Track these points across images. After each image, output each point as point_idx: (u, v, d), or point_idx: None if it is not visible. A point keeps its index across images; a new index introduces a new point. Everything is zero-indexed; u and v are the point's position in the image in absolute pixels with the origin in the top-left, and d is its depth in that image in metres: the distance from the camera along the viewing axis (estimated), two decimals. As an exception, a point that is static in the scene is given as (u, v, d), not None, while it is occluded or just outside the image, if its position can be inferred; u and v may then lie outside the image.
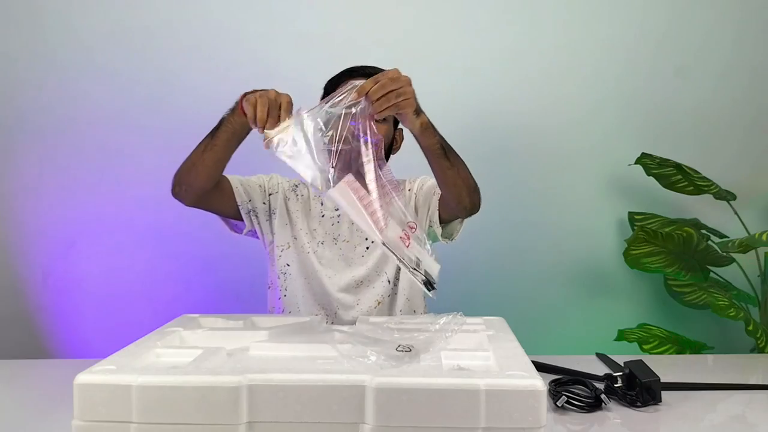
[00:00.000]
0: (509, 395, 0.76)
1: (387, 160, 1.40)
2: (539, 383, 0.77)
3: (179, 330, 1.03)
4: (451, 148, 1.19)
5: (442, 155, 1.18)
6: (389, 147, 1.42)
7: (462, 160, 1.21)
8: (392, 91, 1.01)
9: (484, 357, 0.91)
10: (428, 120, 1.14)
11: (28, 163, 2.08)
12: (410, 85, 1.04)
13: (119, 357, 0.88)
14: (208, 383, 0.77)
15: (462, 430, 0.76)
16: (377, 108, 1.01)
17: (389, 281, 1.43)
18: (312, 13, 2.10)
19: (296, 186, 1.48)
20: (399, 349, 0.89)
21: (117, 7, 2.06)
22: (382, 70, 1.36)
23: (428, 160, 1.20)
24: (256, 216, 1.44)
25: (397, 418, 0.76)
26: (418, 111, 1.11)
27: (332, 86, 1.40)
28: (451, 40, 2.12)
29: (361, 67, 1.38)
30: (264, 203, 1.44)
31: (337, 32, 2.09)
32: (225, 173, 1.36)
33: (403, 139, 1.47)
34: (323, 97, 1.42)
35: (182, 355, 0.91)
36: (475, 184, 1.25)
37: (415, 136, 1.16)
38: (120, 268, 2.08)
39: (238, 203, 1.41)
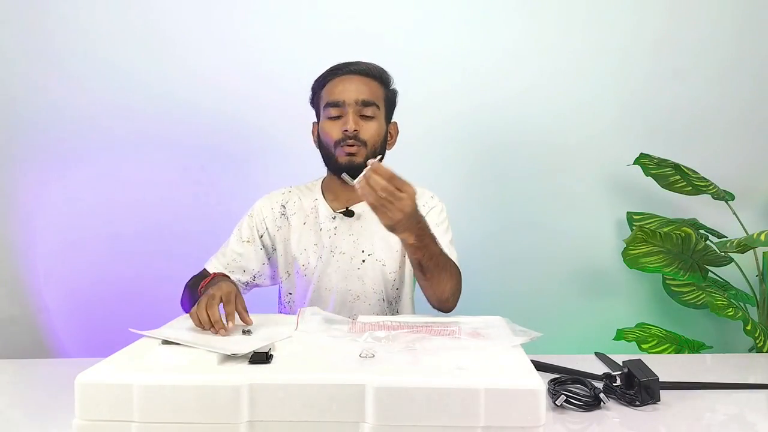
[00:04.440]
0: (508, 395, 0.77)
1: (383, 158, 1.39)
2: (538, 383, 0.77)
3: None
4: (436, 265, 1.18)
5: (418, 268, 1.18)
6: (382, 143, 1.38)
7: (446, 277, 1.21)
8: (390, 195, 1.02)
9: (484, 357, 0.92)
10: (414, 239, 1.12)
11: (29, 164, 2.08)
12: (411, 202, 1.04)
13: (120, 356, 0.88)
14: (209, 382, 0.78)
15: (462, 429, 0.77)
16: (365, 193, 1.03)
17: (384, 300, 1.40)
18: (313, 13, 2.10)
19: (283, 207, 1.44)
20: (362, 355, 0.90)
21: (120, 6, 2.07)
22: (369, 65, 1.37)
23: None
24: (261, 276, 1.43)
25: (397, 417, 0.77)
26: (406, 229, 1.09)
27: (318, 85, 1.40)
28: (450, 41, 2.13)
29: (345, 64, 1.38)
30: (261, 249, 1.42)
31: (338, 33, 2.10)
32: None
33: (398, 132, 1.45)
34: (312, 98, 1.43)
35: (183, 354, 0.91)
36: (450, 295, 1.24)
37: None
38: (121, 268, 2.08)
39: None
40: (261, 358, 0.87)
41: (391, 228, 1.08)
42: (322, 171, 1.47)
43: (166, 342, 0.95)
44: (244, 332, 1.02)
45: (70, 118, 2.07)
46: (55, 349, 2.10)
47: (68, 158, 2.08)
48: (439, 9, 2.13)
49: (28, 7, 2.05)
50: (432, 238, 1.16)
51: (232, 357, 0.89)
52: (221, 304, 1.06)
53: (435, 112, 2.07)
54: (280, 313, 1.47)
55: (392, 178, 1.03)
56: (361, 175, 1.03)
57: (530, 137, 2.14)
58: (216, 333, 1.01)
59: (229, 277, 1.31)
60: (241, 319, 1.07)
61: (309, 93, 1.44)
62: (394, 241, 1.39)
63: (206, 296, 1.07)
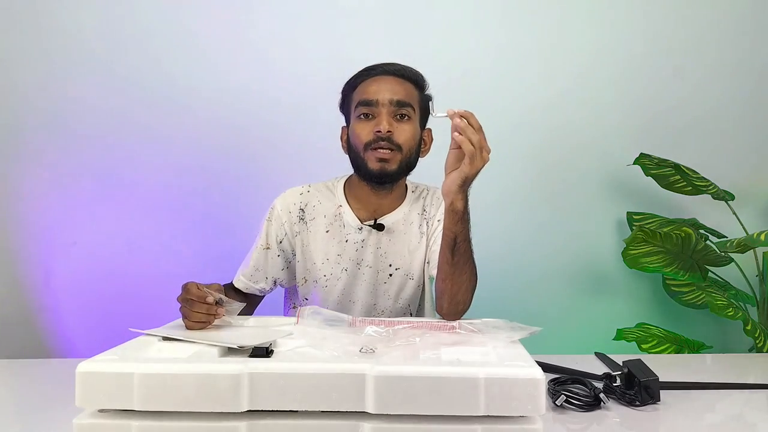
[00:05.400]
0: (508, 384, 0.77)
1: (415, 165, 1.32)
2: (538, 372, 0.78)
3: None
4: (466, 251, 1.13)
5: (450, 245, 1.12)
6: (417, 149, 1.30)
7: (469, 271, 1.15)
8: (481, 145, 1.04)
9: (484, 350, 0.92)
10: (464, 206, 1.10)
11: (30, 164, 2.08)
12: (486, 161, 1.06)
13: (121, 349, 0.89)
14: (209, 371, 0.78)
15: (461, 419, 0.77)
16: (466, 132, 1.03)
17: (410, 313, 1.37)
18: (312, 15, 2.10)
19: (302, 210, 1.34)
20: (362, 350, 0.90)
21: (118, 8, 2.07)
22: (404, 66, 1.30)
23: (441, 243, 1.15)
24: (281, 280, 1.38)
25: (397, 406, 0.77)
26: (466, 190, 1.09)
27: (350, 87, 1.31)
28: (449, 41, 2.13)
29: (379, 64, 1.29)
30: (279, 256, 1.35)
31: (337, 34, 2.10)
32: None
33: (432, 140, 1.36)
34: (342, 103, 1.34)
35: (184, 348, 0.91)
36: (464, 302, 1.16)
37: (445, 210, 1.12)
38: (121, 268, 2.08)
39: (260, 295, 1.38)
40: (261, 352, 0.87)
41: (465, 180, 1.07)
42: (328, 172, 1.42)
43: (166, 338, 0.95)
44: (217, 303, 1.03)
45: (72, 118, 2.07)
46: (55, 349, 2.10)
47: (69, 158, 2.08)
48: (438, 10, 2.13)
49: (29, 8, 2.05)
50: (469, 219, 1.13)
51: (233, 351, 0.89)
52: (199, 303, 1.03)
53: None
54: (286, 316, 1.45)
55: (480, 129, 1.04)
56: (455, 111, 1.04)
57: (530, 137, 2.14)
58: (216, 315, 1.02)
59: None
60: (209, 299, 1.02)
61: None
62: (420, 253, 1.35)
63: (182, 311, 1.03)
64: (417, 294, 1.37)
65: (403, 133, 1.25)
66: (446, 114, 1.06)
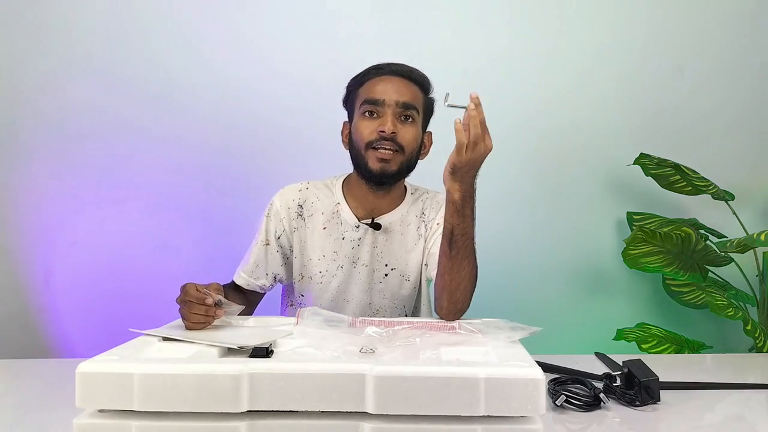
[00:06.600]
0: (508, 384, 0.77)
1: (414, 167, 1.32)
2: (538, 372, 0.78)
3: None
4: (464, 247, 1.12)
5: (448, 237, 1.12)
6: (417, 152, 1.31)
7: (468, 268, 1.14)
8: (476, 140, 1.05)
9: (484, 350, 0.92)
10: (463, 200, 1.10)
11: (30, 164, 2.08)
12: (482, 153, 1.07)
13: (121, 350, 0.89)
14: (209, 371, 0.78)
15: (461, 419, 0.77)
16: (476, 120, 1.05)
17: (405, 314, 1.37)
18: (314, 14, 2.10)
19: (300, 207, 1.35)
20: (363, 350, 0.90)
21: (118, 8, 2.07)
22: (412, 68, 1.31)
23: (441, 236, 1.15)
24: (281, 276, 1.38)
25: (397, 406, 0.77)
26: (459, 180, 1.10)
27: (356, 83, 1.31)
28: (449, 41, 2.13)
29: (387, 63, 1.30)
30: (278, 251, 1.35)
31: (336, 32, 2.10)
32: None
33: (432, 143, 1.37)
34: (346, 98, 1.34)
35: (184, 348, 0.91)
36: (463, 301, 1.15)
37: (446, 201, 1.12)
38: (121, 268, 2.08)
39: (261, 291, 1.38)
40: (261, 353, 0.87)
41: (454, 168, 1.08)
42: (328, 170, 1.42)
43: (166, 339, 0.95)
44: (216, 304, 1.03)
45: (71, 118, 2.07)
46: (55, 349, 2.10)
47: (69, 158, 2.08)
48: (439, 10, 2.13)
49: (29, 8, 2.05)
50: (473, 213, 1.13)
51: (233, 351, 0.89)
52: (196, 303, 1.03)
53: (434, 112, 2.07)
54: (283, 314, 1.45)
55: (483, 123, 1.07)
56: (470, 102, 1.07)
57: (530, 137, 2.14)
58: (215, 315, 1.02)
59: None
60: (208, 301, 1.02)
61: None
62: (417, 255, 1.35)
63: (181, 312, 1.04)
64: (413, 296, 1.37)
65: (407, 135, 1.26)
66: (466, 105, 1.08)
